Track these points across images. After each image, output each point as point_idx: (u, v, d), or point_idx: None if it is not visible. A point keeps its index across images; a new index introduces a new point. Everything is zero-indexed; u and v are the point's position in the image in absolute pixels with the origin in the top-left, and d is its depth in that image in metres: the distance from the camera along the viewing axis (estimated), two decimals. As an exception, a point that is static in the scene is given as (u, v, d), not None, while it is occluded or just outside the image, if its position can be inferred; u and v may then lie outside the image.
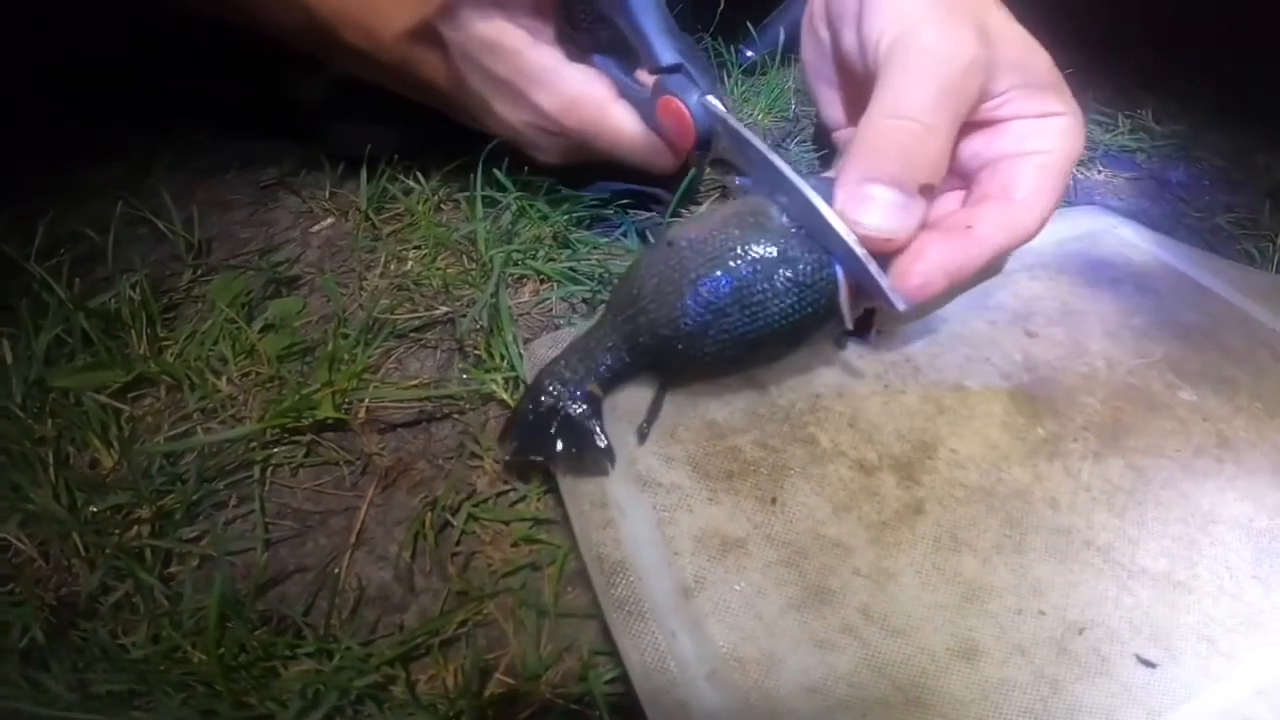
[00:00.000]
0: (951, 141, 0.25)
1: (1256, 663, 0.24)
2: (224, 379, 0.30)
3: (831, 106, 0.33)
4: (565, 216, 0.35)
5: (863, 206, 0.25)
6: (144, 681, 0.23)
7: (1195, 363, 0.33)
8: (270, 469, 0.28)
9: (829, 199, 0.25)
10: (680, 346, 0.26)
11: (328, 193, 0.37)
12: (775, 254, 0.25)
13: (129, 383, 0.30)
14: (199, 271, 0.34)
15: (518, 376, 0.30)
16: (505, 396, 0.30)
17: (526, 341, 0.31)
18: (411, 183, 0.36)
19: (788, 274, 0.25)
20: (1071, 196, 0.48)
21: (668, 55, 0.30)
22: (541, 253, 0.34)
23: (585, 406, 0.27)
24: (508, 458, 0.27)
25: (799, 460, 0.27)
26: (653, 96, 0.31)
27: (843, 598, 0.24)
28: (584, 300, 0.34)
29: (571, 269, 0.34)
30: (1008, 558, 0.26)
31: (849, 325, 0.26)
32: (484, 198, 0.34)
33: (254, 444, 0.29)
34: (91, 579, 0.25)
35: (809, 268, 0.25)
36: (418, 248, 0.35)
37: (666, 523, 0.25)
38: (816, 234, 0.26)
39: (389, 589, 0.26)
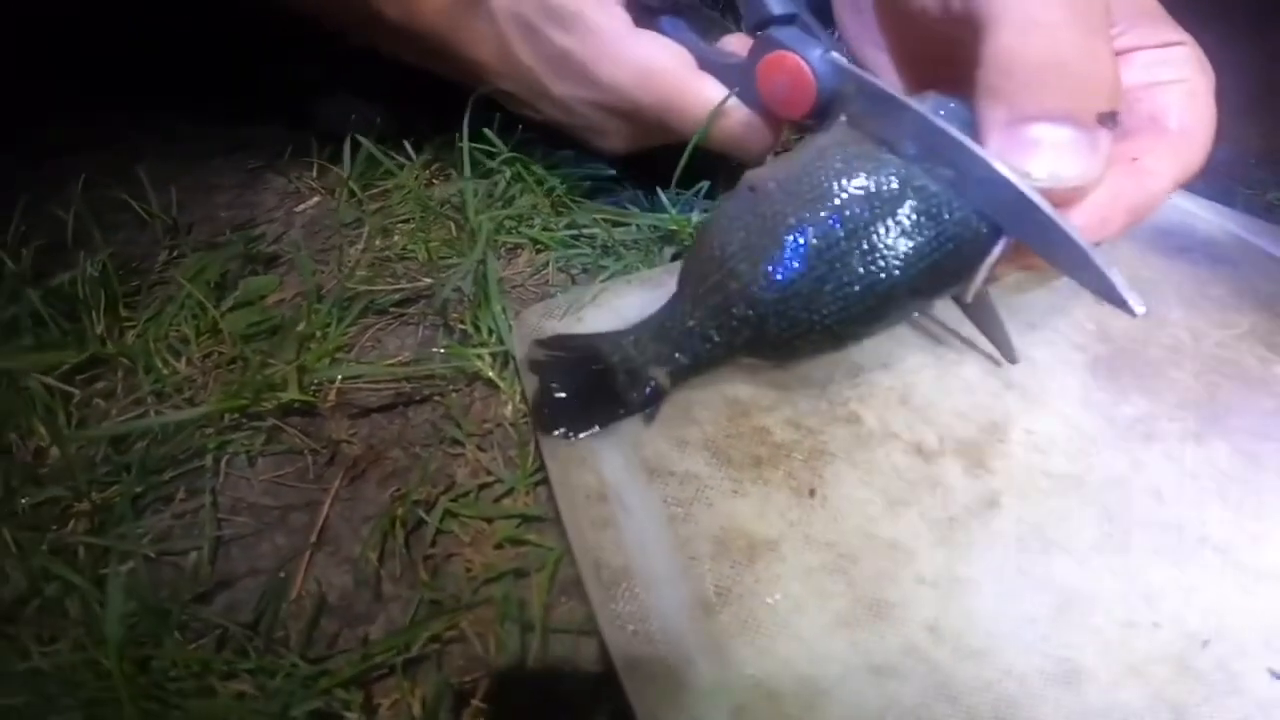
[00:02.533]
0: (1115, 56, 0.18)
1: None
2: (183, 360, 0.25)
3: (885, 72, 0.26)
4: (564, 183, 0.29)
5: (1028, 153, 0.18)
6: (40, 696, 0.18)
7: (1284, 334, 0.27)
8: (226, 458, 0.23)
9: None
10: (788, 312, 0.19)
11: (315, 172, 0.32)
12: (894, 183, 0.19)
13: (82, 365, 0.25)
14: (175, 253, 0.30)
15: (506, 351, 0.24)
16: (491, 374, 0.24)
17: (518, 314, 0.25)
18: (403, 159, 0.31)
19: (915, 204, 0.19)
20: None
21: (778, 3, 0.23)
22: (538, 221, 0.29)
23: (645, 393, 0.21)
24: (547, 435, 0.21)
25: (841, 443, 0.21)
26: (752, 57, 0.24)
27: (904, 612, 0.18)
28: (584, 269, 0.28)
29: (572, 237, 0.29)
30: (1109, 559, 0.19)
31: (975, 287, 0.20)
32: (477, 166, 0.28)
33: (209, 430, 0.23)
34: (21, 580, 0.20)
35: (942, 195, 0.19)
36: (405, 220, 0.30)
37: (680, 520, 0.19)
38: (1007, 217, 0.19)
39: (353, 597, 0.20)
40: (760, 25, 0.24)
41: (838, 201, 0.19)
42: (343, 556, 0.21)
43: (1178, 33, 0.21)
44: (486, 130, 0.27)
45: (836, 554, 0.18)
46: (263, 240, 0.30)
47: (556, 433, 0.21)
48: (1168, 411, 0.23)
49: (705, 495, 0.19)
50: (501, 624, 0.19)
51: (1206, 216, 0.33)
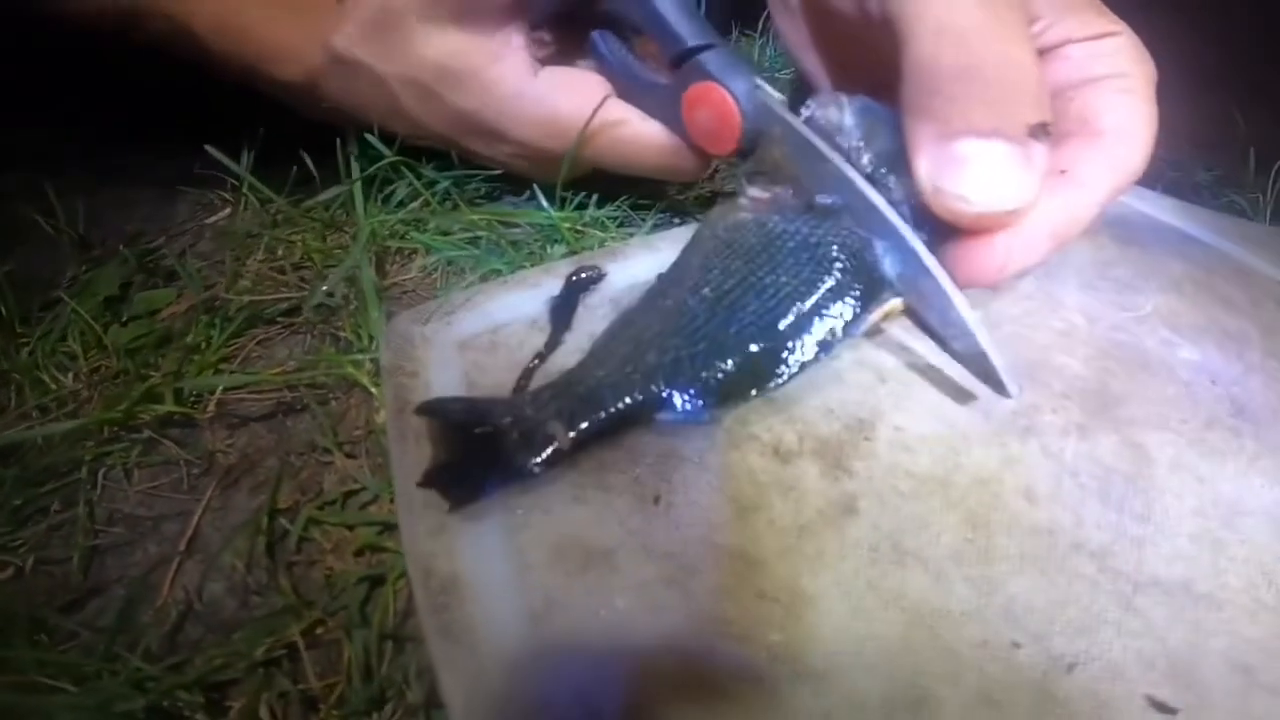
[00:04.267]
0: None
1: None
2: (70, 375, 0.24)
3: (817, 75, 0.24)
4: (455, 184, 0.28)
5: (958, 172, 0.16)
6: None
7: (1192, 316, 0.24)
8: (103, 470, 0.22)
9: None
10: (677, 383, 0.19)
11: (228, 184, 0.31)
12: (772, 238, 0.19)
13: (-24, 382, 0.24)
14: (84, 269, 0.28)
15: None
16: (366, 383, 0.22)
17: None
18: (312, 169, 0.29)
19: (789, 254, 0.19)
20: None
21: (694, 34, 0.21)
22: (432, 223, 0.27)
23: (538, 459, 0.18)
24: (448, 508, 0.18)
25: (696, 446, 0.19)
26: (677, 85, 0.22)
27: (742, 629, 0.16)
28: (469, 268, 0.26)
29: (470, 241, 0.27)
30: (970, 570, 0.17)
31: (856, 331, 0.19)
32: (368, 167, 0.27)
33: (89, 443, 0.22)
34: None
35: (818, 244, 0.19)
36: (305, 229, 0.28)
37: (519, 528, 0.17)
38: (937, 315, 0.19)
39: (219, 603, 0.19)
40: (679, 57, 0.21)
41: (706, 269, 0.19)
42: (211, 564, 0.20)
43: (1111, 22, 0.19)
44: (368, 135, 0.25)
45: (676, 566, 0.17)
46: (160, 253, 0.29)
47: (445, 505, 0.17)
48: (1051, 402, 0.20)
49: (544, 502, 0.18)
50: (349, 632, 0.18)
51: (1120, 199, 0.31)
